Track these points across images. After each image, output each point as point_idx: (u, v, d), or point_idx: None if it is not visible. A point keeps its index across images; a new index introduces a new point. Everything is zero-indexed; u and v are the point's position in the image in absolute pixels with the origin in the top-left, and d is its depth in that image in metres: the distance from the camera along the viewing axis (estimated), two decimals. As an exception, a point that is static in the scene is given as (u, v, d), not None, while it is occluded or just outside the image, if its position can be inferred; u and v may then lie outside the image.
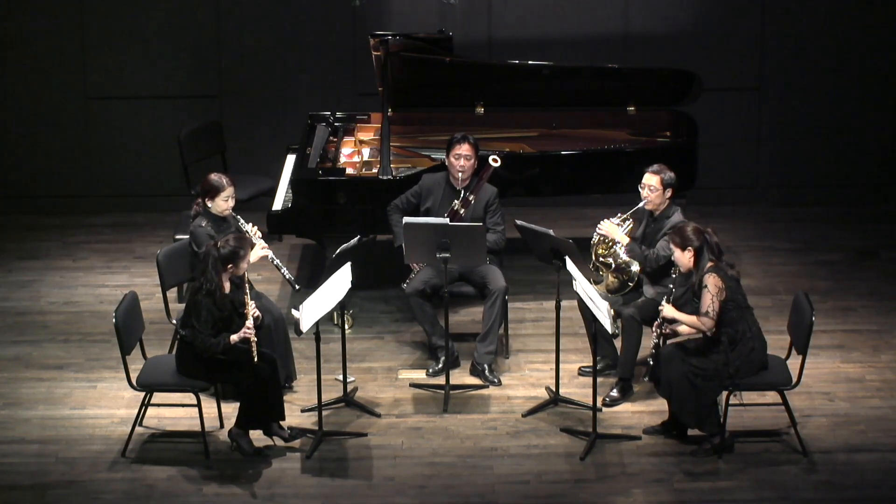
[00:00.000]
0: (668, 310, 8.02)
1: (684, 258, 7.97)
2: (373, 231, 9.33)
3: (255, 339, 7.87)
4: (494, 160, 9.22)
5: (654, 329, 8.10)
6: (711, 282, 7.86)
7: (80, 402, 8.70)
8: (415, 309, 9.00)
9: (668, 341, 8.10)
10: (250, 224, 8.73)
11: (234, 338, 7.89)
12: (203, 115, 11.43)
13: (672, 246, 8.03)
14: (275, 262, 8.66)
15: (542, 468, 7.95)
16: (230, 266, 7.92)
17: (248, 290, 7.98)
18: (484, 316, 8.96)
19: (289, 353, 8.72)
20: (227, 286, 7.96)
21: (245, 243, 8.03)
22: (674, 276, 8.10)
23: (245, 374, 7.95)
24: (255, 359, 7.87)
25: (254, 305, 7.99)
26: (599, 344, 8.69)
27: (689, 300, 8.05)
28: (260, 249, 8.59)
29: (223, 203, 8.66)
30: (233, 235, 8.12)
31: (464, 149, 9.08)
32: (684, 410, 8.00)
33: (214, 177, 8.69)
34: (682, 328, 8.02)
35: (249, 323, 7.89)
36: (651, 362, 8.08)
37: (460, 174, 9.08)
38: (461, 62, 10.22)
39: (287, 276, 8.70)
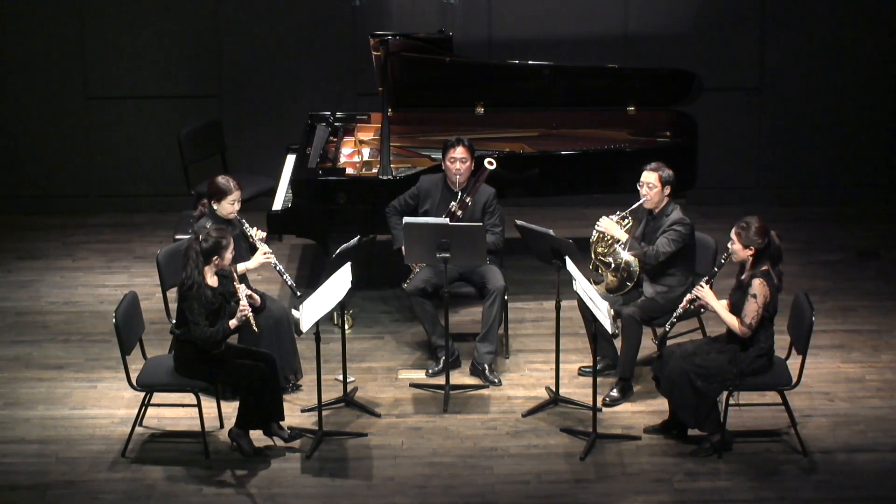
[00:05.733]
0: (706, 292, 7.97)
1: (743, 254, 7.90)
2: (373, 231, 9.33)
3: (251, 314, 7.87)
4: (490, 163, 9.20)
5: (683, 303, 8.07)
6: (760, 290, 7.78)
7: (80, 402, 8.70)
8: (416, 308, 9.00)
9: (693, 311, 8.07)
10: (255, 228, 8.72)
11: (233, 322, 7.88)
12: (203, 115, 11.43)
13: (733, 236, 7.91)
14: (278, 268, 8.64)
15: (542, 468, 7.95)
16: (215, 258, 7.88)
17: (236, 278, 7.96)
18: (483, 316, 8.96)
19: (294, 350, 8.73)
20: (214, 280, 7.94)
21: (226, 233, 7.98)
22: (723, 261, 8.01)
23: (243, 373, 7.95)
24: (256, 329, 7.89)
25: (244, 287, 7.98)
26: (599, 344, 8.69)
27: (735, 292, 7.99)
28: (261, 256, 8.58)
29: (229, 206, 8.65)
30: (213, 227, 8.09)
31: (458, 152, 9.07)
32: (684, 409, 8.00)
33: (222, 180, 8.67)
34: (712, 305, 7.97)
35: (244, 303, 7.87)
36: (667, 328, 8.09)
37: (457, 177, 9.07)
38: (461, 62, 10.22)
39: (289, 283, 8.68)
